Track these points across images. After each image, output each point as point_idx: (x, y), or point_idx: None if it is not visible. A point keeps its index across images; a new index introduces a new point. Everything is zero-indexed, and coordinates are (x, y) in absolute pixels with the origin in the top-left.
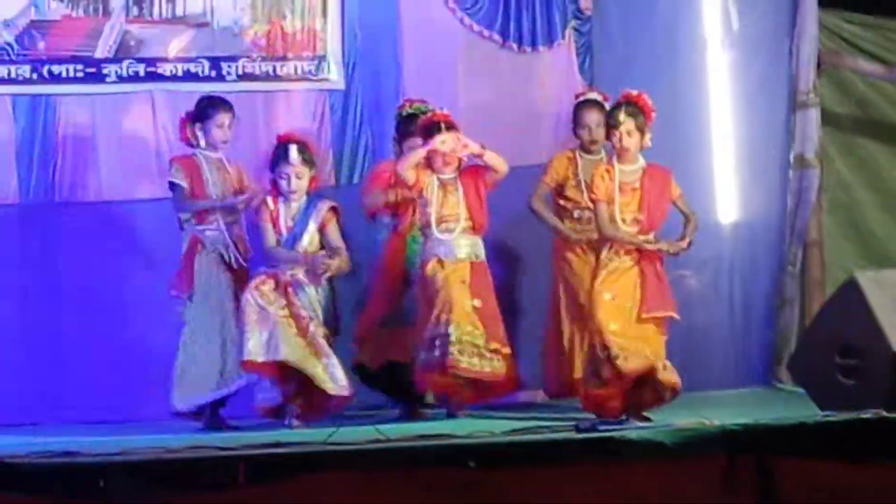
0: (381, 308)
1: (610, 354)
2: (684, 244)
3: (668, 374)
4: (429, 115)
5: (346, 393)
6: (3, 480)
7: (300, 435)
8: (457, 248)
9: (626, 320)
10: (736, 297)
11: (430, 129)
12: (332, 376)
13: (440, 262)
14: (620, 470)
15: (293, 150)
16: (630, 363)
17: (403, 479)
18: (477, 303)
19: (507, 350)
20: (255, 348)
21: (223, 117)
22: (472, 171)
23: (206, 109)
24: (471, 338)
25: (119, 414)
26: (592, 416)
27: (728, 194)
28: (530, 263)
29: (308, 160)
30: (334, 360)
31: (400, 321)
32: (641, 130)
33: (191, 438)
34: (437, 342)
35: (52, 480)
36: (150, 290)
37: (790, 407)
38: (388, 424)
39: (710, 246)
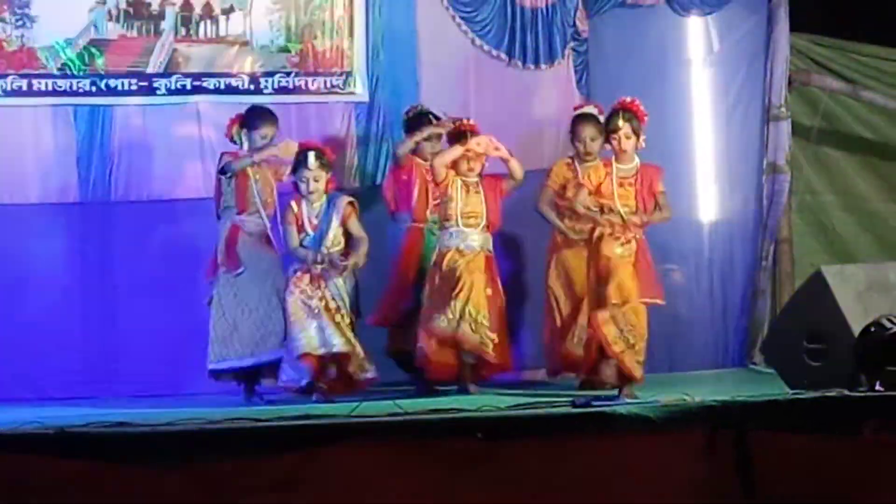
0: (399, 296)
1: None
2: (640, 219)
3: (632, 363)
4: (458, 124)
5: (376, 376)
6: (65, 447)
7: (327, 409)
8: (474, 241)
9: (621, 306)
10: (715, 289)
11: (459, 138)
12: (363, 364)
13: (459, 251)
14: (611, 441)
15: (311, 157)
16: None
17: (418, 448)
18: (489, 291)
19: (497, 340)
20: (310, 341)
21: (267, 129)
22: (492, 178)
23: (255, 120)
24: (483, 320)
25: (166, 389)
26: (587, 393)
27: (708, 196)
28: (532, 256)
29: (325, 164)
30: (360, 349)
31: (417, 312)
32: (637, 133)
33: (230, 411)
34: (452, 314)
35: (107, 447)
36: (194, 279)
37: (764, 386)
38: (406, 399)
39: (691, 242)
